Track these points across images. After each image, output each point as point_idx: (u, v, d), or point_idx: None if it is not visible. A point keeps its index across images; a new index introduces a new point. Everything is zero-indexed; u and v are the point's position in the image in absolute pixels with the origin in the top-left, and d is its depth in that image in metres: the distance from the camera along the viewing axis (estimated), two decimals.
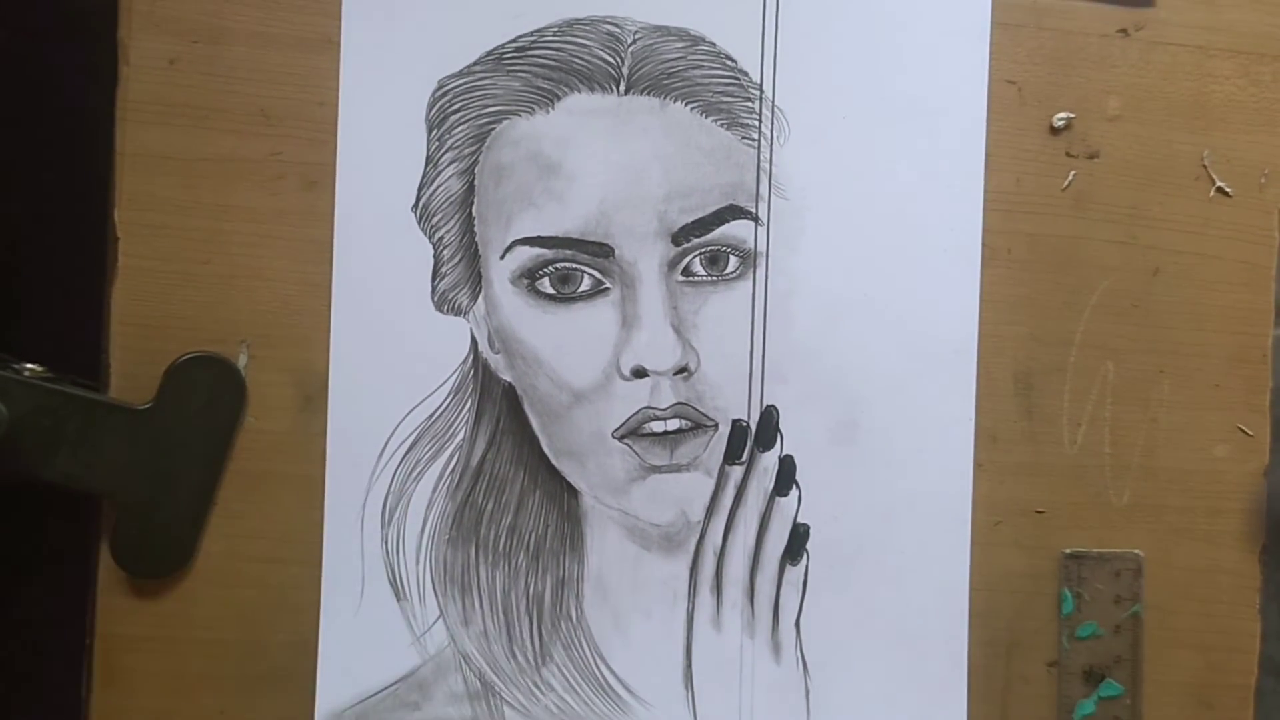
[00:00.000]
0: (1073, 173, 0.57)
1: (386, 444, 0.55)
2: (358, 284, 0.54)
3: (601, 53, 0.55)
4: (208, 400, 0.53)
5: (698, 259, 0.55)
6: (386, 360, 0.54)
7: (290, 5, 0.54)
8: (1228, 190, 0.58)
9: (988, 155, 0.57)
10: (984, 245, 0.57)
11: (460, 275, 0.55)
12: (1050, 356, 0.57)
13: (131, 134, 0.54)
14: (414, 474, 0.55)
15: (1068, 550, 0.57)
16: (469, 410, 0.55)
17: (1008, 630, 0.57)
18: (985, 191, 0.57)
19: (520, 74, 0.55)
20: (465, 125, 0.55)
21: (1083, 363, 0.58)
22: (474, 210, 0.55)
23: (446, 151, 0.55)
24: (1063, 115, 0.57)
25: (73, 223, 0.57)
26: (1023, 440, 0.57)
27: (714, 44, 0.55)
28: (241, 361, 0.54)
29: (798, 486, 0.56)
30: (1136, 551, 0.57)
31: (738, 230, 0.55)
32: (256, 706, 0.55)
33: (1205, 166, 0.58)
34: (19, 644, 0.58)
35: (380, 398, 0.54)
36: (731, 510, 0.56)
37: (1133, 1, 0.58)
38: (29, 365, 0.53)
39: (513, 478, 0.55)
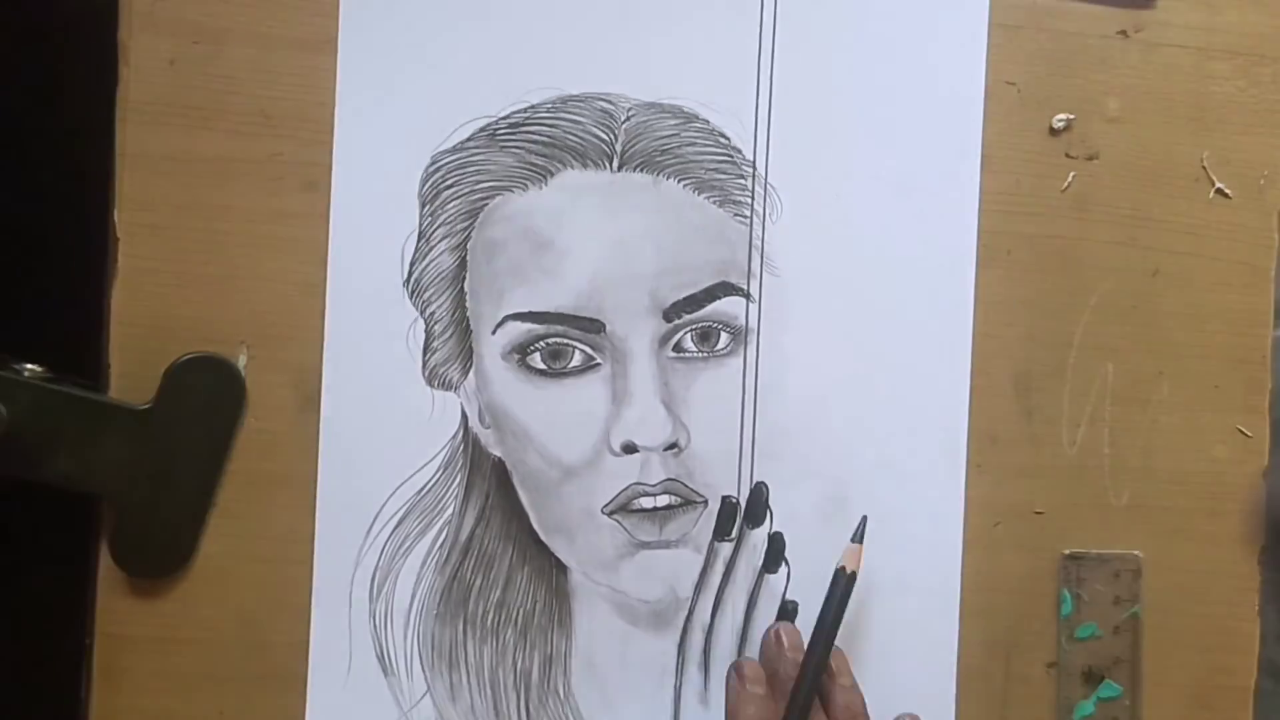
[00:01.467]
0: (1072, 174, 0.57)
1: (375, 518, 0.55)
2: (349, 359, 0.54)
3: (595, 129, 0.55)
4: (207, 401, 0.53)
5: (689, 335, 0.55)
6: (376, 434, 0.54)
7: (291, 6, 0.54)
8: (1227, 191, 0.58)
9: (987, 156, 0.57)
10: (983, 246, 0.57)
11: (451, 350, 0.55)
12: (1050, 357, 0.57)
13: (132, 135, 0.54)
14: (403, 548, 0.55)
15: (1067, 551, 0.57)
16: (458, 485, 0.55)
17: (1007, 631, 0.57)
18: (985, 192, 0.57)
19: (514, 150, 0.55)
20: (458, 201, 0.55)
21: (1082, 364, 0.58)
22: (466, 285, 0.55)
23: (439, 227, 0.55)
24: (1062, 116, 0.57)
25: (73, 223, 0.57)
26: (1022, 441, 0.57)
27: (707, 121, 0.55)
28: (241, 362, 0.54)
29: (787, 563, 0.56)
30: (1135, 552, 0.57)
31: (729, 307, 0.56)
32: (256, 707, 0.55)
33: (1205, 168, 0.58)
34: (19, 644, 0.58)
35: (370, 472, 0.54)
36: (720, 587, 0.56)
37: (1132, 3, 0.58)
38: (29, 366, 0.53)
39: (501, 553, 0.55)
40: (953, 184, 0.57)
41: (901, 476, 0.56)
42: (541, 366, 0.55)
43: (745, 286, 0.56)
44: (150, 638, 0.54)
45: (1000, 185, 0.57)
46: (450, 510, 0.55)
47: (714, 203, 0.55)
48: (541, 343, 0.55)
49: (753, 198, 0.56)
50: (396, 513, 0.55)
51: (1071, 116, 0.57)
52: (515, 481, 0.55)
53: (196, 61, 0.54)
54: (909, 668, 0.56)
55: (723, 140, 0.55)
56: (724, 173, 0.55)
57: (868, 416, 0.56)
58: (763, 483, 0.56)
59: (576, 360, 0.55)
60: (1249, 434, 0.58)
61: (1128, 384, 0.58)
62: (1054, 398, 0.57)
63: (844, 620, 0.54)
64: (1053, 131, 0.57)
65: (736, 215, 0.56)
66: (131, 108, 0.54)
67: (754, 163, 0.56)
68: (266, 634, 0.55)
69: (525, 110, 0.54)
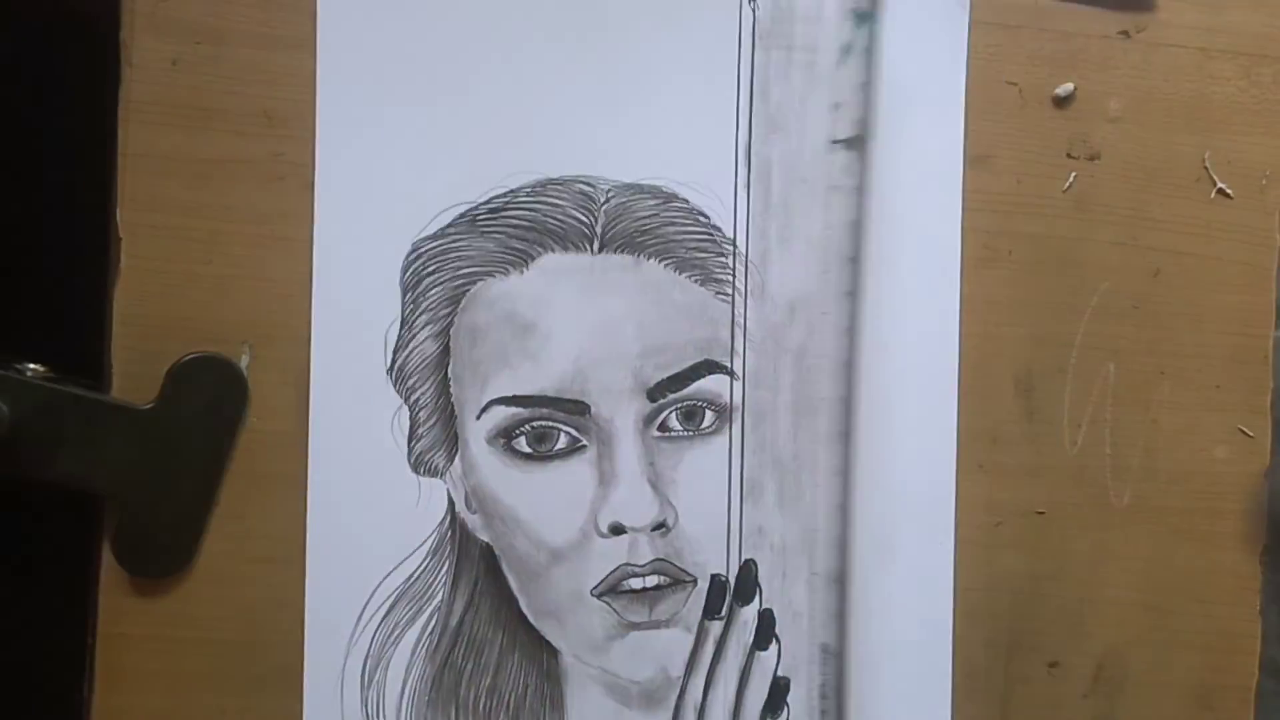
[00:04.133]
0: (1073, 174, 0.57)
1: (365, 607, 0.54)
2: (334, 449, 0.54)
3: (575, 212, 0.55)
4: (210, 401, 0.54)
5: (674, 414, 0.55)
6: (363, 524, 0.54)
7: (293, 7, 0.54)
8: (1229, 192, 0.58)
9: (987, 157, 0.57)
10: (984, 247, 0.57)
11: (437, 436, 0.55)
12: (1051, 358, 0.57)
13: (134, 135, 0.54)
14: (393, 636, 0.55)
15: None
16: (447, 571, 0.55)
17: (1008, 632, 0.57)
18: (986, 193, 0.57)
19: (495, 235, 0.55)
20: (440, 287, 0.55)
21: (1083, 364, 0.58)
22: (450, 371, 0.55)
23: (421, 314, 0.55)
24: (1066, 86, 0.57)
25: (75, 223, 0.57)
26: (1023, 441, 0.57)
27: (686, 200, 0.55)
28: (243, 362, 0.54)
29: (778, 640, 0.56)
30: None
31: (713, 385, 0.56)
32: (257, 706, 0.55)
33: (1206, 168, 0.58)
34: (20, 643, 0.58)
35: (358, 562, 0.54)
36: (711, 665, 0.56)
37: (1134, 4, 0.58)
38: (31, 365, 0.53)
39: (492, 638, 0.55)
40: (933, 252, 0.56)
41: (890, 551, 0.56)
42: (527, 450, 0.55)
43: (729, 364, 0.56)
44: (152, 637, 0.54)
45: (1001, 185, 0.57)
46: (439, 597, 0.55)
47: (695, 281, 0.55)
48: (526, 426, 0.55)
49: (734, 275, 0.56)
50: (385, 601, 0.55)
51: (1073, 86, 0.57)
52: (504, 566, 0.55)
53: (198, 62, 0.54)
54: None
55: (702, 219, 0.55)
56: (705, 251, 0.55)
57: (856, 494, 0.56)
58: (751, 560, 0.56)
59: (562, 443, 0.55)
60: (1250, 434, 0.58)
61: (1129, 384, 0.58)
62: (1055, 398, 0.57)
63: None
64: (1056, 102, 0.57)
65: (719, 293, 0.56)
66: (134, 108, 0.54)
67: (734, 240, 0.56)
68: (268, 634, 0.55)
69: (505, 195, 0.54)
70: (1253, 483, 0.58)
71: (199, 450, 0.53)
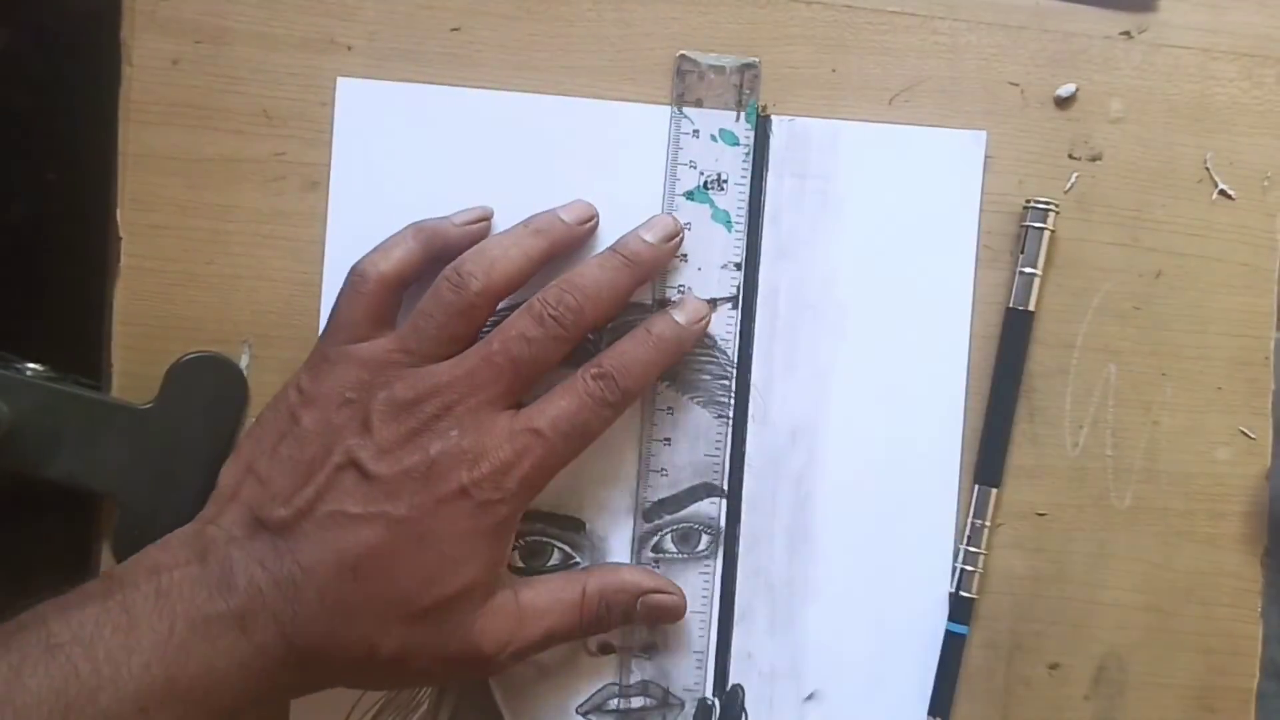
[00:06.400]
0: (1075, 175, 0.57)
1: (350, 715, 0.54)
2: None
3: None
4: (210, 400, 0.54)
5: (669, 536, 0.55)
6: None
7: (293, 6, 0.54)
8: (1230, 193, 0.58)
9: (988, 157, 0.57)
10: (985, 247, 0.57)
11: None
12: (1052, 358, 0.57)
13: (134, 134, 0.54)
14: None
15: None
16: None
17: (1008, 633, 0.57)
18: (987, 193, 0.57)
19: None
20: None
21: (1084, 365, 0.57)
22: None
23: None
24: (1068, 86, 0.57)
25: (75, 223, 0.57)
26: (1024, 442, 0.57)
27: None
28: (244, 361, 0.54)
29: None
30: None
31: (709, 508, 0.55)
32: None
33: (1208, 169, 0.58)
34: None
35: None
36: None
37: (1135, 5, 0.58)
38: (31, 365, 0.53)
39: None
40: (943, 384, 0.56)
41: (877, 678, 0.56)
42: (520, 565, 0.54)
43: (725, 487, 0.55)
44: None
45: (1002, 186, 0.57)
46: (424, 708, 0.55)
47: (697, 404, 0.55)
48: (520, 541, 0.54)
49: (735, 400, 0.55)
50: (371, 709, 0.54)
51: (1075, 87, 0.57)
52: (490, 680, 0.55)
53: (199, 61, 0.54)
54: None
55: (707, 341, 0.55)
56: (707, 374, 0.55)
57: (845, 621, 0.56)
58: (739, 685, 0.56)
59: (555, 559, 0.55)
60: (1252, 436, 0.58)
61: (1130, 385, 0.58)
62: (1056, 399, 0.57)
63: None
64: (1058, 103, 0.57)
65: (719, 416, 0.55)
66: (134, 107, 0.54)
67: (737, 365, 0.55)
68: None
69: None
70: (1254, 484, 0.58)
71: (199, 450, 0.53)
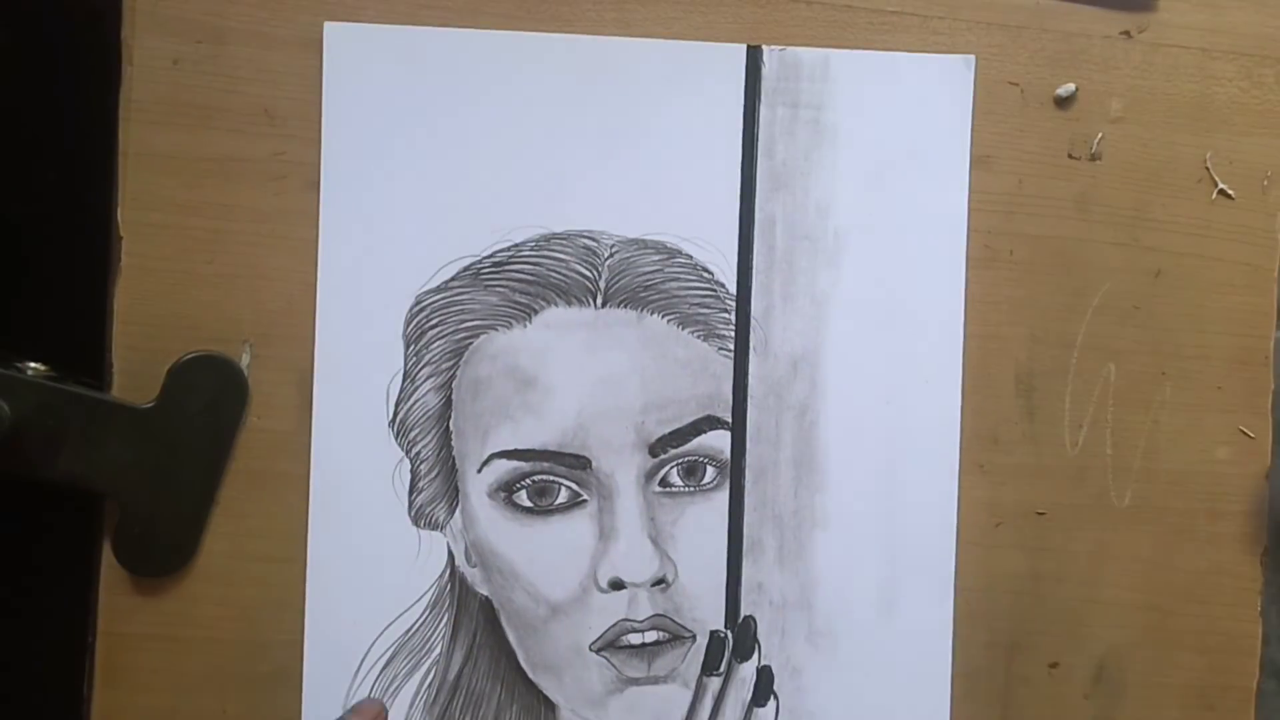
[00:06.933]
0: (1075, 174, 0.57)
1: (363, 660, 0.55)
2: (334, 501, 0.54)
3: (579, 266, 0.55)
4: (210, 399, 0.54)
5: (675, 470, 0.55)
6: (363, 577, 0.55)
7: (293, 5, 0.54)
8: (1230, 192, 0.58)
9: (989, 157, 0.57)
10: (985, 247, 0.57)
11: (438, 489, 0.55)
12: (1052, 358, 0.57)
13: (135, 134, 0.54)
14: (391, 688, 0.55)
15: None
16: (446, 624, 0.55)
17: (1009, 632, 0.57)
18: (988, 193, 0.57)
19: (498, 289, 0.55)
20: (443, 340, 0.55)
21: (1084, 364, 0.58)
22: (451, 424, 0.55)
23: (424, 367, 0.55)
24: (1067, 86, 0.57)
25: (76, 222, 0.57)
26: (1024, 441, 0.57)
27: (690, 256, 0.55)
28: (244, 361, 0.54)
29: (775, 697, 0.56)
30: None
31: (714, 441, 0.56)
32: (258, 705, 0.55)
33: (1208, 169, 0.58)
34: (21, 642, 0.58)
35: (357, 614, 0.55)
36: None
37: (1135, 4, 0.58)
38: (32, 364, 0.53)
39: (489, 692, 0.55)
40: (941, 306, 0.57)
41: (890, 609, 0.56)
42: (528, 504, 0.55)
43: (730, 420, 0.56)
44: (152, 636, 0.54)
45: (1003, 186, 0.57)
46: (438, 650, 0.55)
47: (698, 337, 0.55)
48: (527, 480, 0.55)
49: (736, 332, 0.56)
50: (384, 654, 0.55)
51: (1074, 87, 0.57)
52: (503, 620, 0.55)
53: (199, 61, 0.54)
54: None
55: (706, 275, 0.55)
56: (708, 307, 0.56)
57: (856, 551, 0.56)
58: (751, 616, 0.56)
59: (563, 497, 0.55)
60: (1251, 435, 0.58)
61: (1130, 385, 0.58)
62: (1056, 398, 0.57)
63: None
64: (1057, 103, 0.57)
65: (721, 349, 0.56)
66: (134, 107, 0.54)
67: (737, 297, 0.56)
68: (268, 632, 0.55)
69: (509, 249, 0.55)
70: (1254, 484, 0.58)
71: (199, 449, 0.53)
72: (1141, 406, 0.58)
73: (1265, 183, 0.58)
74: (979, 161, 0.57)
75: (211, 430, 0.54)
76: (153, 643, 0.54)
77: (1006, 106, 0.57)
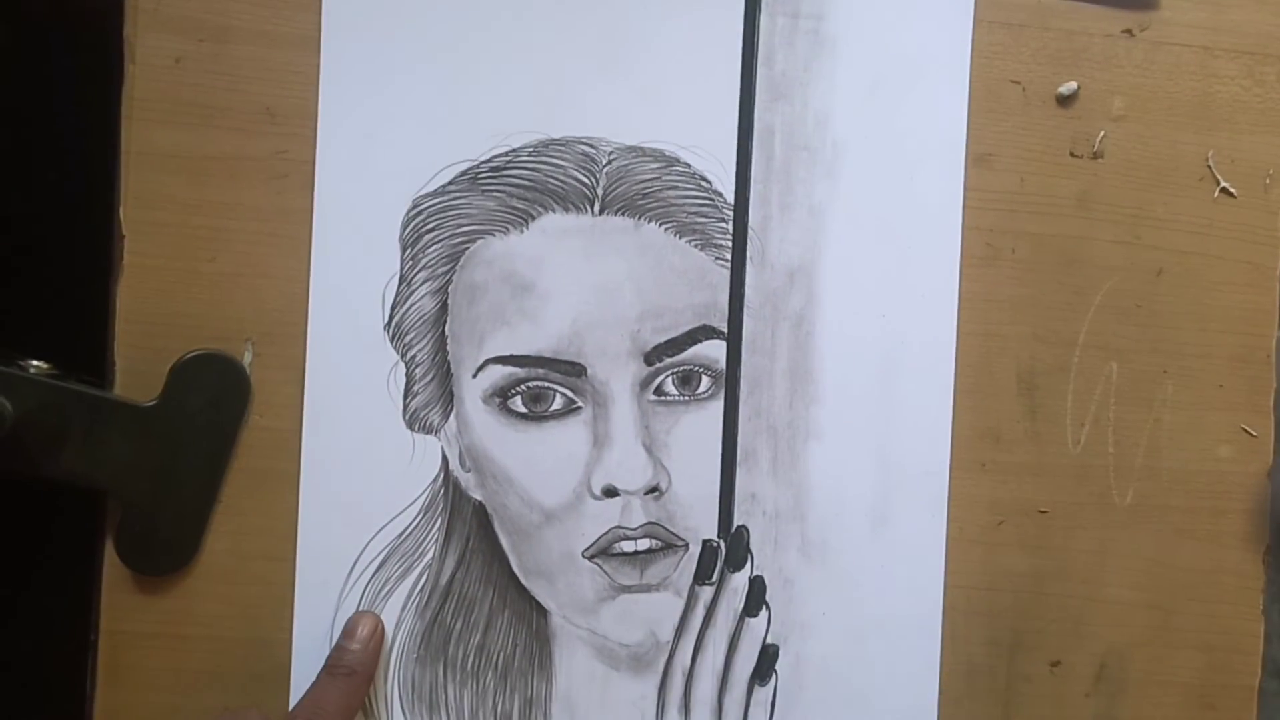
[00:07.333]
0: (1077, 173, 0.57)
1: (356, 562, 0.55)
2: (329, 403, 0.54)
3: (577, 173, 0.55)
4: (212, 398, 0.54)
5: (670, 379, 0.55)
6: (357, 479, 0.55)
7: (295, 4, 0.54)
8: (1232, 191, 0.58)
9: (991, 156, 0.57)
10: (987, 245, 0.57)
11: (432, 394, 0.55)
12: (1054, 356, 0.57)
13: (137, 132, 0.54)
14: (383, 592, 0.55)
15: None
16: (439, 529, 0.55)
17: (1010, 631, 0.57)
18: (989, 191, 0.57)
19: (495, 194, 0.55)
20: (439, 245, 0.55)
21: (1086, 363, 0.58)
22: (447, 329, 0.55)
23: (420, 271, 0.55)
24: (1069, 84, 0.57)
25: (78, 221, 0.57)
26: (1026, 440, 0.57)
27: (688, 165, 0.55)
28: (246, 359, 0.54)
29: (767, 607, 0.56)
30: None
31: (710, 350, 0.56)
32: (260, 704, 0.55)
33: (1210, 167, 0.58)
34: (24, 640, 0.58)
35: (350, 517, 0.55)
36: (701, 630, 0.56)
37: (1137, 3, 0.58)
38: (35, 362, 0.53)
39: (482, 597, 0.55)
40: (937, 223, 0.57)
41: (884, 520, 0.56)
42: (522, 410, 0.55)
43: (726, 330, 0.56)
44: (154, 634, 0.54)
45: (1005, 184, 0.57)
46: (430, 554, 0.55)
47: (695, 246, 0.55)
48: (522, 386, 0.55)
49: (734, 241, 0.56)
50: (377, 557, 0.55)
51: (1076, 85, 0.57)
52: (496, 525, 0.55)
53: (201, 59, 0.54)
54: (891, 714, 0.56)
55: (704, 184, 0.55)
56: (705, 216, 0.56)
57: (850, 462, 0.56)
58: (744, 526, 0.56)
59: (557, 404, 0.55)
60: (1253, 433, 0.58)
61: (1132, 383, 0.58)
62: (1058, 397, 0.57)
63: (827, 664, 0.55)
64: (1059, 101, 0.57)
65: (718, 259, 0.56)
66: (137, 105, 0.54)
67: (735, 206, 0.56)
68: (271, 630, 0.55)
69: (507, 154, 0.55)
70: (1256, 482, 0.58)
71: (201, 447, 0.53)
72: (1143, 405, 0.58)
73: (1267, 181, 0.58)
74: (980, 160, 0.57)
75: (213, 429, 0.54)
76: (155, 641, 0.54)
77: (1008, 105, 0.57)
